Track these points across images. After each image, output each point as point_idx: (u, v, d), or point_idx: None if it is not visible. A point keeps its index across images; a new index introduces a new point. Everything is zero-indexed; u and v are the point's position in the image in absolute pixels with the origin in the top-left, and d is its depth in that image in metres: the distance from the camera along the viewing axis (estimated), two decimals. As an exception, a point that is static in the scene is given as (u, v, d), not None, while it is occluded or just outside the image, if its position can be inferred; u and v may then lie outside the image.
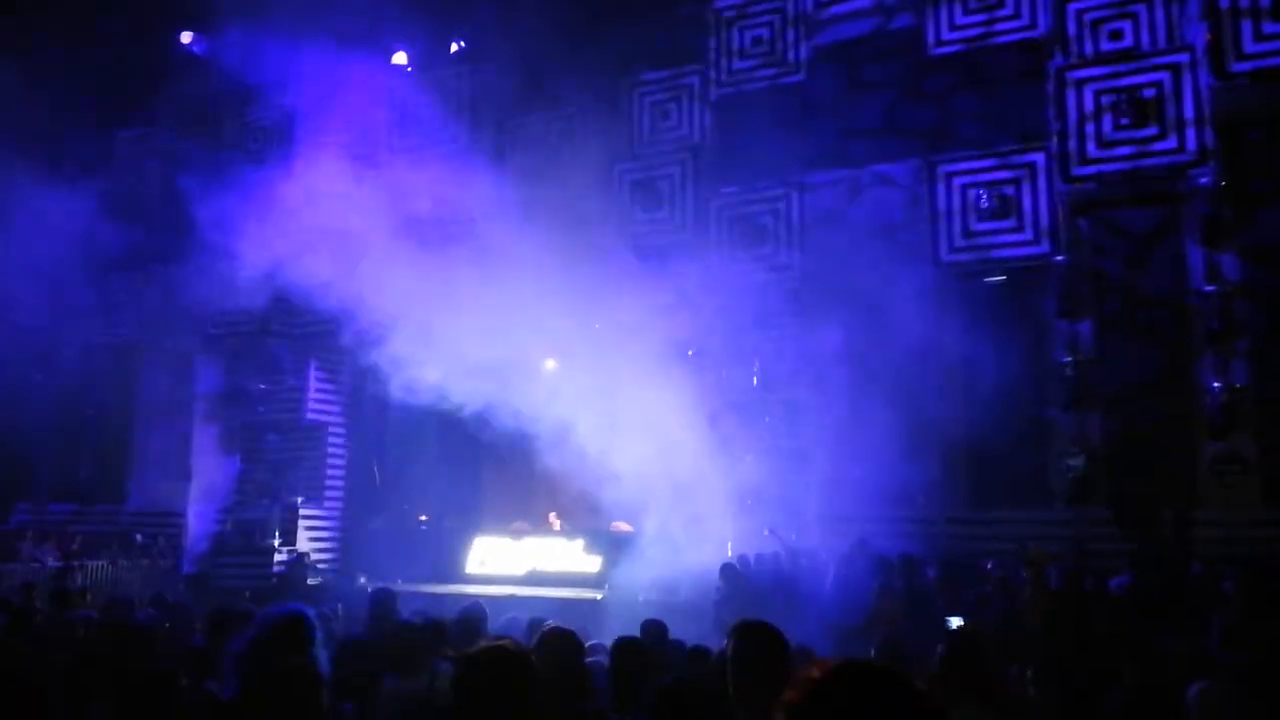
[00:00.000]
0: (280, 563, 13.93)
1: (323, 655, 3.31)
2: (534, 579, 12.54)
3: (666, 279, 12.86)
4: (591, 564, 12.52)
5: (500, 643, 2.93)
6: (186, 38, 15.71)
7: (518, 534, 13.54)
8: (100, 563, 13.11)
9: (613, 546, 12.48)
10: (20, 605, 7.94)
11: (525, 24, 13.43)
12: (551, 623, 5.61)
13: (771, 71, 12.63)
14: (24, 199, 16.13)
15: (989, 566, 9.41)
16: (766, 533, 11.07)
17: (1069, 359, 10.61)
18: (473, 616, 5.93)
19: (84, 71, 14.29)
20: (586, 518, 13.65)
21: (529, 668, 2.75)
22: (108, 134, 16.74)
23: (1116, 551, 9.55)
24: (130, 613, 6.89)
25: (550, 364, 13.11)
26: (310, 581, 13.53)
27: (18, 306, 16.88)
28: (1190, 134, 9.89)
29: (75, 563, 12.71)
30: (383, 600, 6.31)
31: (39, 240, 16.86)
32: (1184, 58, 10.03)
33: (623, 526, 13.25)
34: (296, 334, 15.01)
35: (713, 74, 12.94)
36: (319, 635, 3.38)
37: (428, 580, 12.73)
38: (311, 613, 3.48)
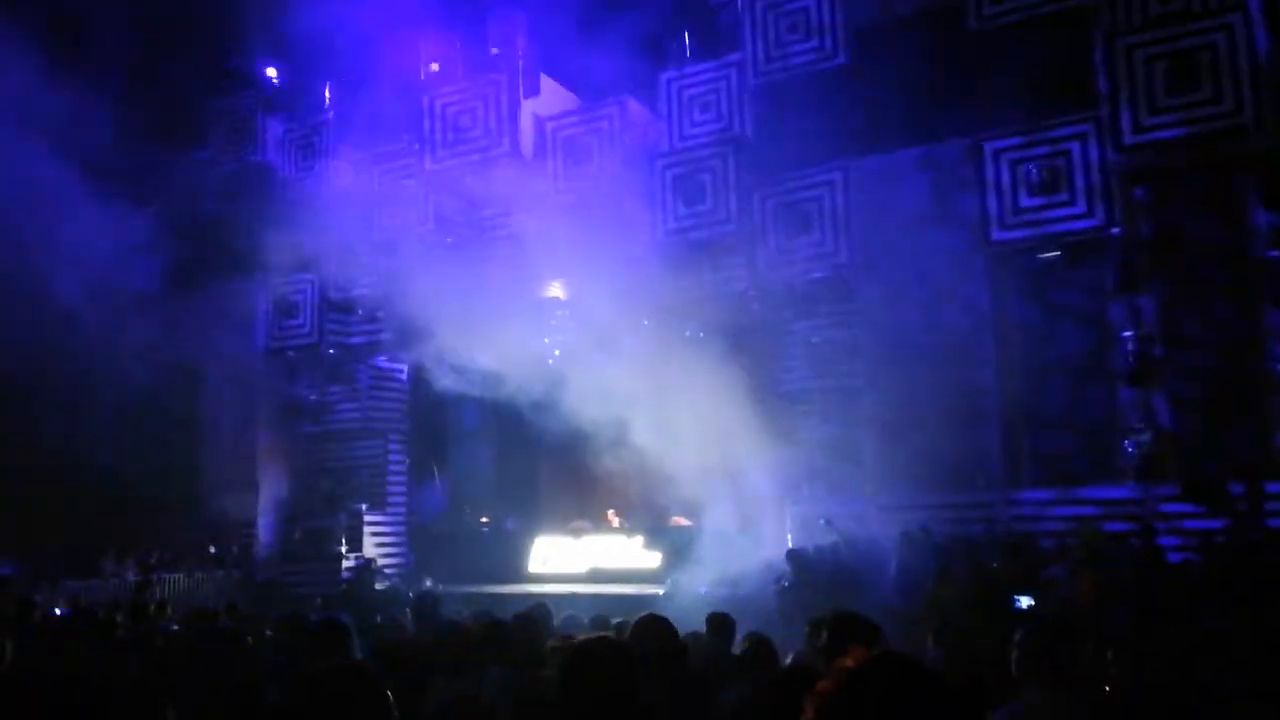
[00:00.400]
0: (348, 569, 14.23)
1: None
2: (595, 576, 12.65)
3: (713, 271, 12.87)
4: (651, 560, 12.59)
5: (604, 634, 3.04)
6: (251, 67, 16.12)
7: (578, 532, 13.66)
8: (177, 575, 13.53)
9: (672, 542, 12.53)
10: (103, 619, 8.22)
11: (561, 22, 13.52)
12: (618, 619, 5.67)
13: (811, 57, 12.49)
14: (88, 219, 16.68)
15: (1055, 547, 9.27)
16: (824, 523, 11.01)
17: (1131, 333, 10.36)
18: (537, 616, 6.01)
19: (138, 93, 14.68)
20: (645, 514, 13.73)
21: (634, 659, 2.84)
22: (163, 154, 17.20)
23: (1188, 529, 9.33)
24: (211, 623, 7.11)
25: (600, 362, 13.18)
26: (378, 586, 13.80)
27: (87, 327, 17.45)
28: (1247, 96, 9.57)
29: (154, 576, 13.12)
30: (425, 602, 6.37)
31: (102, 260, 17.43)
32: (1237, 18, 9.71)
33: (681, 521, 13.30)
34: (353, 343, 15.31)
35: (752, 62, 12.85)
36: (355, 641, 3.51)
37: (491, 581, 12.91)
38: (349, 620, 3.63)
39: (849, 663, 1.46)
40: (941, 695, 1.41)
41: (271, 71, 16.40)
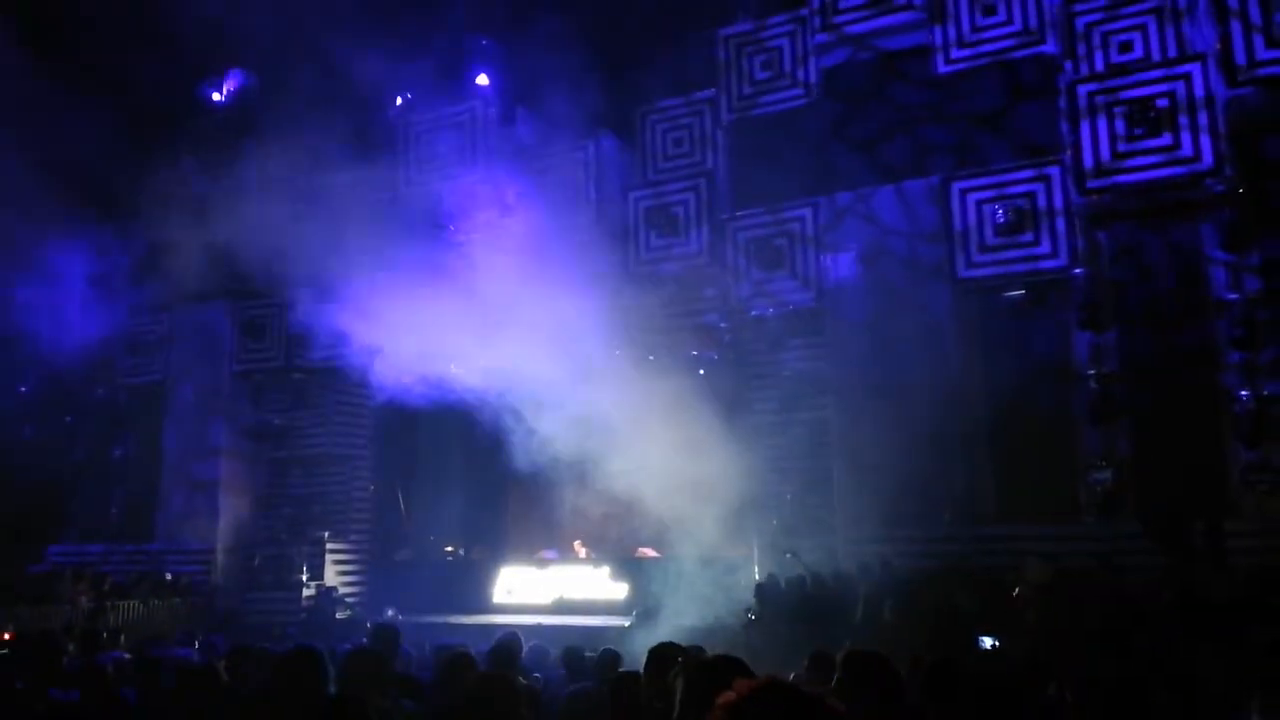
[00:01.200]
0: (309, 598, 13.99)
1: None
2: (561, 607, 12.54)
3: (684, 304, 12.93)
4: (618, 591, 12.51)
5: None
6: (217, 96, 16.04)
7: (543, 563, 13.55)
8: (132, 602, 13.21)
9: (639, 573, 12.46)
10: (52, 647, 7.96)
11: (539, 56, 13.62)
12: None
13: (784, 94, 12.69)
14: (52, 242, 16.48)
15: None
16: (789, 555, 11.02)
17: (1093, 371, 10.53)
18: (506, 645, 5.99)
19: (110, 110, 14.53)
20: (612, 545, 13.66)
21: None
22: (134, 176, 17.06)
23: (1147, 565, 9.43)
24: (163, 652, 6.94)
25: (569, 392, 13.14)
26: (338, 616, 13.58)
27: (46, 349, 17.18)
28: (1205, 142, 9.84)
29: (108, 603, 12.81)
30: (383, 635, 6.18)
31: (67, 282, 17.22)
32: (1195, 67, 10.01)
33: (648, 552, 13.24)
34: (320, 367, 15.15)
35: (725, 99, 13.02)
36: (330, 672, 3.43)
37: (455, 611, 12.75)
38: (323, 650, 3.54)
39: (733, 695, 1.46)
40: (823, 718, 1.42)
41: (244, 96, 16.34)
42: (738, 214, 12.63)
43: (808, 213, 12.24)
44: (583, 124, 13.63)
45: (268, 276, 14.16)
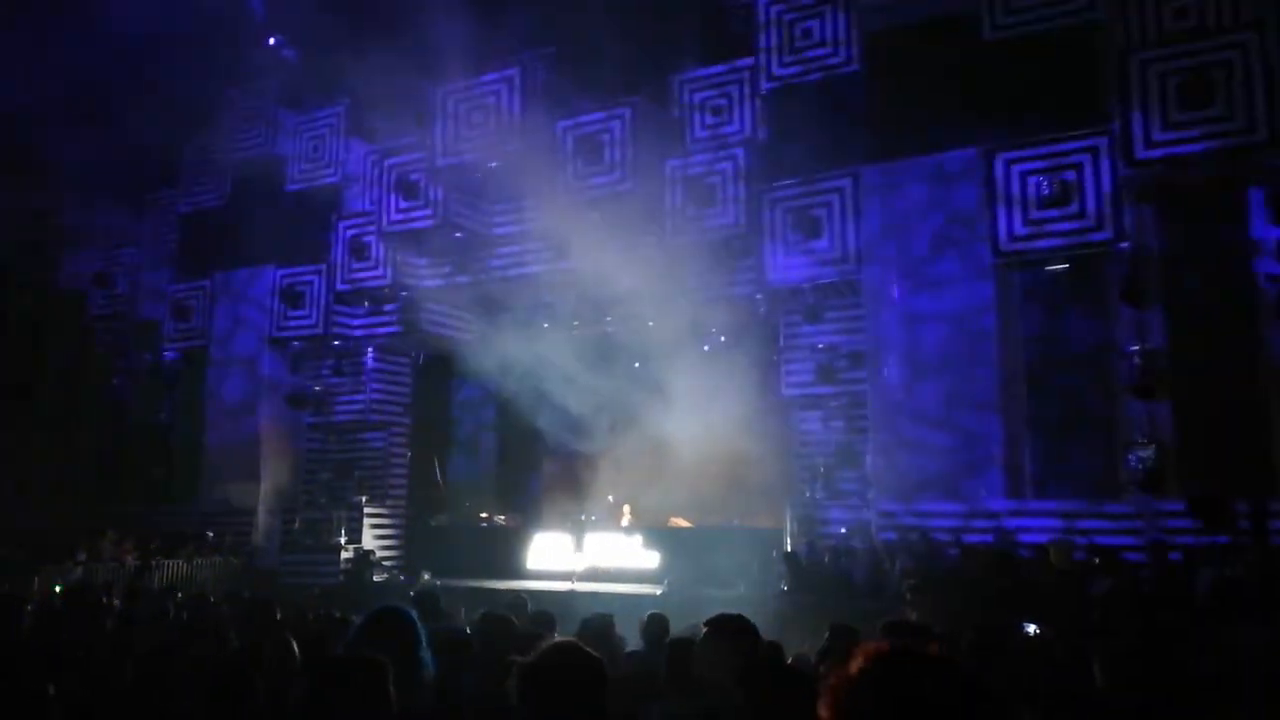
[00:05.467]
0: (346, 560, 14.24)
1: (427, 655, 3.26)
2: (593, 575, 12.63)
3: (722, 274, 12.87)
4: (650, 559, 12.57)
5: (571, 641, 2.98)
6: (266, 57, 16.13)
7: (581, 526, 13.63)
8: (176, 561, 13.54)
9: (672, 542, 12.51)
10: (96, 602, 8.14)
11: (575, 25, 13.50)
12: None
13: (824, 63, 12.49)
14: (98, 204, 16.77)
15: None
16: (843, 531, 11.00)
17: (1136, 346, 10.34)
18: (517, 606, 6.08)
19: (152, 79, 14.65)
20: (644, 512, 13.71)
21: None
22: (177, 147, 17.29)
23: (1190, 544, 9.30)
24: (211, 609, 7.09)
25: (605, 362, 13.16)
26: (375, 579, 13.81)
27: (94, 314, 17.55)
28: (1260, 112, 9.54)
29: (153, 561, 13.14)
30: (426, 599, 6.16)
31: (109, 245, 17.53)
32: (1250, 35, 9.68)
33: (681, 521, 13.29)
34: (358, 334, 15.32)
35: (764, 67, 12.84)
36: (420, 634, 3.32)
37: (489, 576, 12.91)
38: (408, 611, 3.43)
39: (860, 658, 1.41)
40: (961, 686, 1.35)
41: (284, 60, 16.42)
42: (776, 183, 12.47)
43: (847, 182, 12.08)
44: (620, 94, 13.44)
45: (309, 244, 14.30)
